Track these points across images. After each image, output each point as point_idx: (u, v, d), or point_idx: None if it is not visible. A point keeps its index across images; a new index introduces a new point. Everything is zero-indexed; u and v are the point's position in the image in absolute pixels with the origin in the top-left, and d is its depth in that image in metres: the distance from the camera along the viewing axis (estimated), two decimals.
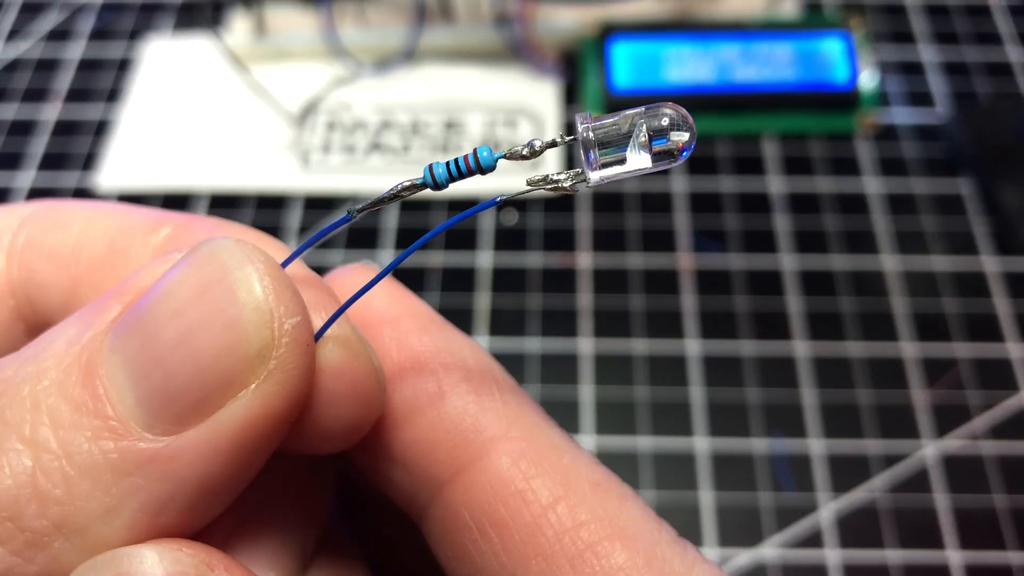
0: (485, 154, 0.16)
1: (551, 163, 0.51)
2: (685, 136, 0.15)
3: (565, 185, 0.16)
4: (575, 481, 0.17)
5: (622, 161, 0.16)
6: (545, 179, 0.16)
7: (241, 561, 0.16)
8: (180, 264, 0.15)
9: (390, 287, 0.19)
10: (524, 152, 0.16)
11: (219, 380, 0.14)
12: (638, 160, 0.16)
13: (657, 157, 0.16)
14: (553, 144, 0.16)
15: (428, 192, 0.16)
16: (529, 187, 0.16)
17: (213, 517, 0.15)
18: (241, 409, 0.14)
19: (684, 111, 0.15)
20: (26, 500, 0.14)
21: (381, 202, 0.16)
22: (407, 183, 0.16)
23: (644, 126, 0.15)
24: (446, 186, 0.16)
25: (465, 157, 0.16)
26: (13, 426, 0.14)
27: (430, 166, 0.16)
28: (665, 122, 0.15)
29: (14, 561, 0.14)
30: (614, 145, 0.16)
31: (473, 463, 0.17)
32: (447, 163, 0.16)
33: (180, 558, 0.14)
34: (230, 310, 0.14)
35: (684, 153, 0.15)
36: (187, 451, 0.14)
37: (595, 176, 0.16)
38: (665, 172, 0.16)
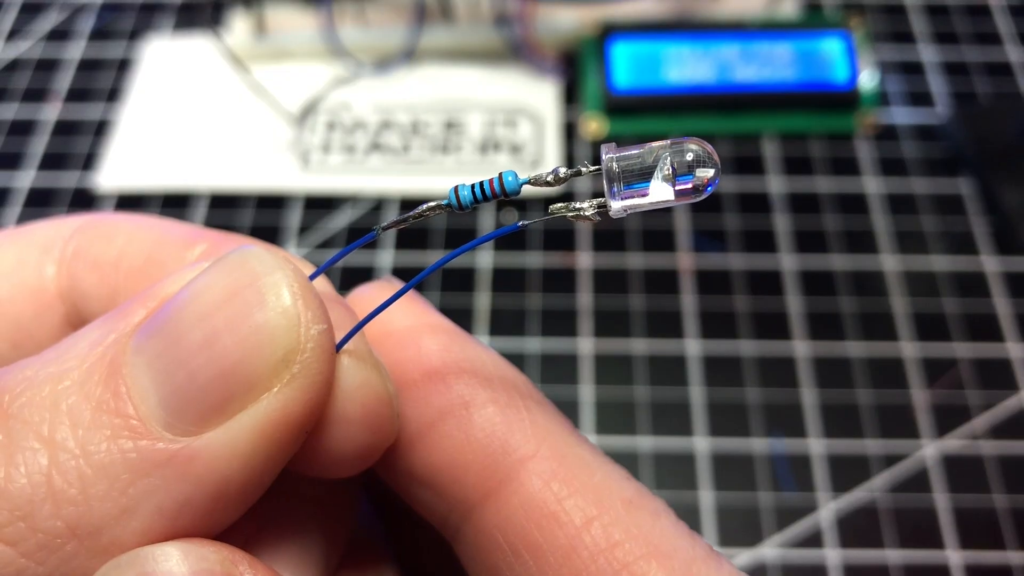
0: (511, 179, 0.16)
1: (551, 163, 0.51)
2: (710, 172, 0.15)
3: (587, 214, 0.16)
4: (608, 500, 0.16)
5: (644, 193, 0.15)
6: (567, 206, 0.16)
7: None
8: (208, 270, 0.15)
9: (410, 302, 0.19)
10: (549, 179, 0.16)
11: (242, 382, 0.14)
12: (661, 192, 0.15)
13: (681, 192, 0.15)
14: (578, 173, 0.16)
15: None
16: (551, 214, 0.16)
17: (227, 524, 0.15)
18: (262, 412, 0.14)
19: (710, 147, 0.15)
20: (40, 500, 0.14)
21: (405, 221, 0.17)
22: (432, 204, 0.17)
23: (669, 160, 0.15)
24: (470, 208, 0.16)
25: (491, 181, 0.16)
26: (31, 425, 0.14)
27: (455, 188, 0.16)
28: (690, 157, 0.15)
29: (25, 563, 0.14)
30: (637, 177, 0.15)
31: (504, 485, 0.17)
32: (472, 186, 0.16)
33: (205, 555, 0.14)
34: (258, 314, 0.14)
35: (708, 188, 0.15)
36: (206, 452, 0.14)
37: (618, 206, 0.16)
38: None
